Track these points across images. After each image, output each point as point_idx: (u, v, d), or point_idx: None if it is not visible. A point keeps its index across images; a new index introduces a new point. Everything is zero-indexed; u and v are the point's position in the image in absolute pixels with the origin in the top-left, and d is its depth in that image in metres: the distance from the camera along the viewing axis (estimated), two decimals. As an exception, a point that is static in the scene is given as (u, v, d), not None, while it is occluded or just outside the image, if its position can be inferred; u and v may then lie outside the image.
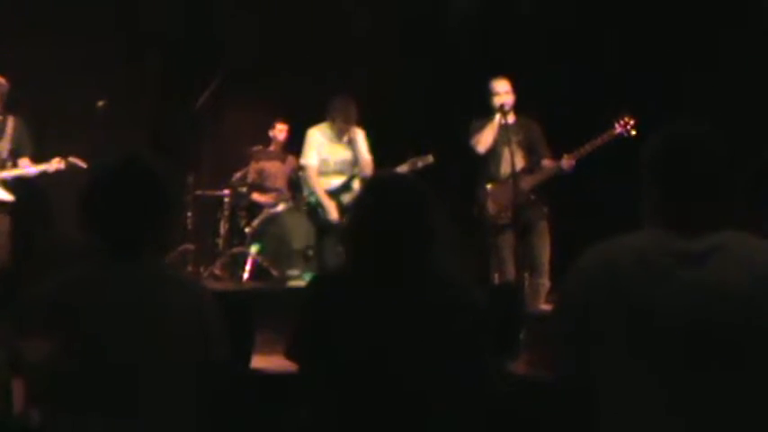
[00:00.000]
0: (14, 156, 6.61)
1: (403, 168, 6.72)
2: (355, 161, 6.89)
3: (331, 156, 6.92)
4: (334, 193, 6.81)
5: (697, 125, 2.21)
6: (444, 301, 2.55)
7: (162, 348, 2.33)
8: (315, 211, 6.93)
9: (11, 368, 2.43)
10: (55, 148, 6.64)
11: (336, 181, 6.91)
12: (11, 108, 6.66)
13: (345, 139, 6.88)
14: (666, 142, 2.20)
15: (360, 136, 6.85)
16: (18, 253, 6.61)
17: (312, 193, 6.91)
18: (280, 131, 8.22)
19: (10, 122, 6.60)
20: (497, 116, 6.06)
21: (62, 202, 7.32)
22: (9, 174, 6.54)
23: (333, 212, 6.71)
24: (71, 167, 6.53)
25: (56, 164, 6.54)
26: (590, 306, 2.13)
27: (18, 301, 2.43)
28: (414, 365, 2.46)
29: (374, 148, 6.89)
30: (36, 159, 6.62)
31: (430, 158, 6.78)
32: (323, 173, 6.93)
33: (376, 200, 2.67)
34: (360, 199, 2.79)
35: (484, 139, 6.15)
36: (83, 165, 6.54)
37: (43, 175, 6.58)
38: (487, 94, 6.17)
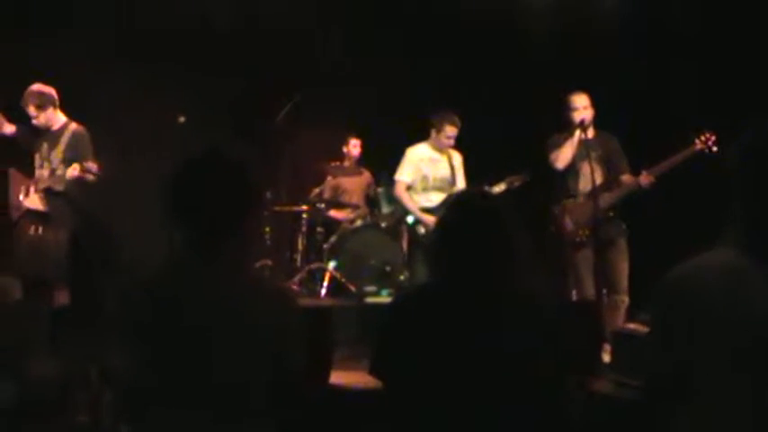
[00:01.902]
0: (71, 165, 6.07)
1: (500, 187, 6.83)
2: (454, 179, 6.99)
3: (431, 172, 7.05)
4: (435, 211, 6.83)
5: None
6: (524, 319, 2.54)
7: (241, 348, 2.28)
8: (413, 229, 7.03)
9: (102, 382, 2.44)
10: (136, 164, 6.71)
11: (435, 197, 7.01)
12: (76, 117, 6.34)
13: (446, 154, 7.01)
14: (749, 147, 2.08)
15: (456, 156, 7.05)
16: (78, 265, 6.14)
17: (407, 212, 7.04)
18: (354, 147, 8.29)
19: (68, 132, 6.23)
20: (577, 132, 6.01)
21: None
22: (46, 184, 6.15)
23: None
24: (86, 173, 5.94)
25: (71, 170, 5.96)
26: (681, 325, 2.08)
27: (103, 315, 2.46)
28: (493, 382, 2.45)
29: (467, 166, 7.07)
30: None
31: (525, 177, 6.97)
32: (423, 189, 7.06)
33: (458, 218, 2.67)
34: (443, 217, 2.79)
35: (563, 155, 6.09)
36: (95, 169, 5.95)
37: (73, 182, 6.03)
38: (566, 108, 6.12)
